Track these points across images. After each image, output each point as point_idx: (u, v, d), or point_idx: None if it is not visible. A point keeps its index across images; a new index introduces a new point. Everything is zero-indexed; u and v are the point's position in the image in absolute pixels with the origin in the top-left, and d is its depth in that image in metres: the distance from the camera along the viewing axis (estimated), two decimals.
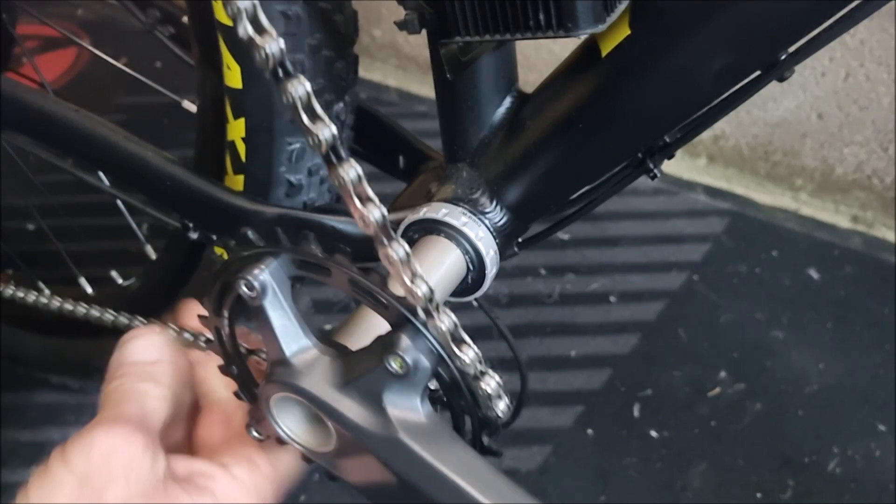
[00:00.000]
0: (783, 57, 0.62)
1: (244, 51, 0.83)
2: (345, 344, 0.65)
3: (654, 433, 1.37)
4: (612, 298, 1.56)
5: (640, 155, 0.72)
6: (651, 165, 0.72)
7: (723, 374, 1.44)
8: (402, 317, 0.58)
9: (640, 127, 0.69)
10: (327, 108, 0.89)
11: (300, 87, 0.52)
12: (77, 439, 0.59)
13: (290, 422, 0.66)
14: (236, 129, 0.89)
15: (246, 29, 0.49)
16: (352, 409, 0.61)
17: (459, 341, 0.59)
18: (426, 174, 0.86)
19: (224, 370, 0.69)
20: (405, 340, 0.57)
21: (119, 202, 1.20)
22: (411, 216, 0.74)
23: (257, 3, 0.49)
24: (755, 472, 1.32)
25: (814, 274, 1.60)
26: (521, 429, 1.34)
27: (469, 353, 0.59)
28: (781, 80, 0.64)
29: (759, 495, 1.29)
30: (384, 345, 0.58)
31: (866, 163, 1.68)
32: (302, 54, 0.84)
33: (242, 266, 0.61)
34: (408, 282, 0.56)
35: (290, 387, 0.62)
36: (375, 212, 0.55)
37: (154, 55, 1.99)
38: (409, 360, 0.57)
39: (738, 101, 0.67)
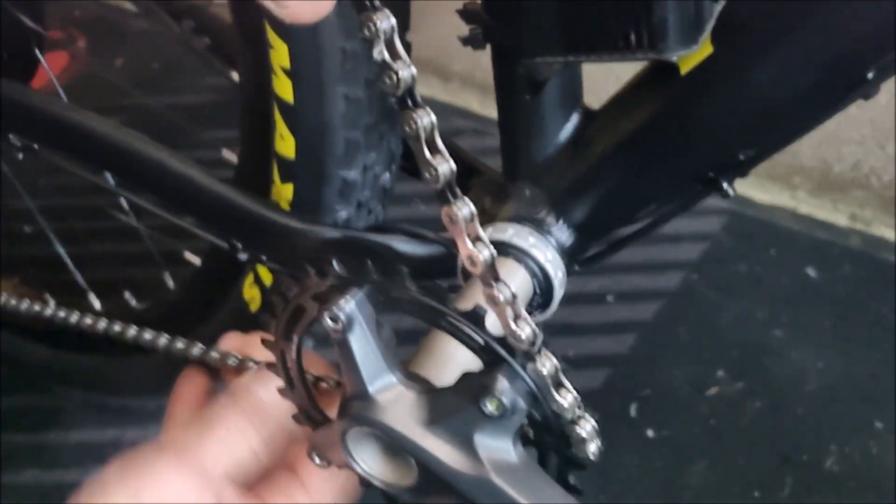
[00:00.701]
0: (871, 75, 0.60)
1: (302, 124, 0.83)
2: (423, 375, 0.63)
3: (652, 433, 1.37)
4: (609, 298, 1.56)
5: (711, 174, 0.70)
6: (724, 184, 0.70)
7: (721, 373, 1.44)
8: (499, 357, 0.56)
9: (717, 146, 0.68)
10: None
11: (426, 118, 0.50)
12: (143, 462, 0.58)
13: (363, 454, 0.64)
14: (283, 193, 0.89)
15: (382, 53, 0.48)
16: (441, 448, 0.59)
17: (559, 385, 0.57)
18: (477, 189, 0.83)
19: (286, 394, 0.67)
20: (503, 382, 0.55)
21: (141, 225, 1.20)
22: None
23: (395, 27, 0.48)
24: (754, 471, 1.32)
25: (812, 273, 1.60)
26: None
27: (568, 398, 0.57)
28: (867, 98, 0.62)
29: (757, 494, 1.29)
30: (478, 385, 0.56)
31: (864, 161, 1.68)
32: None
33: (326, 295, 0.58)
34: (512, 324, 0.55)
35: (375, 424, 0.60)
36: (485, 252, 0.53)
37: (151, 56, 1.99)
38: (506, 402, 0.55)
39: (820, 118, 0.65)
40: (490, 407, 0.55)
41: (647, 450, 1.35)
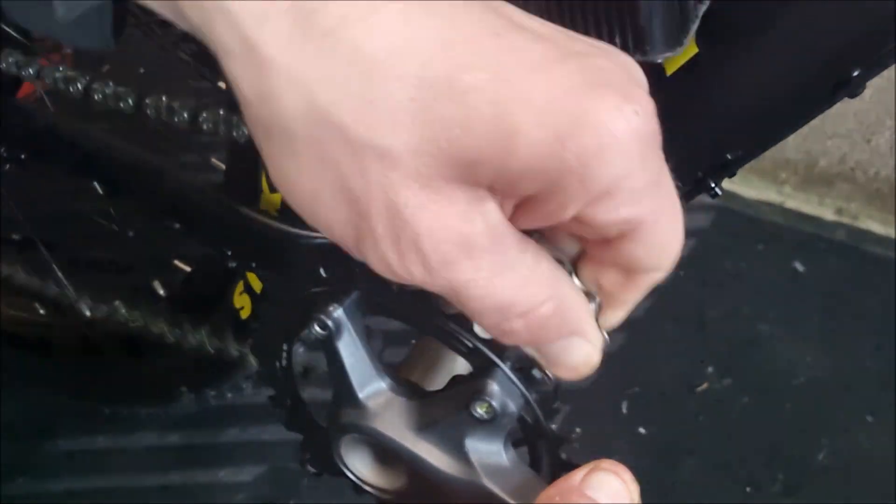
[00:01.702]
0: (856, 73, 0.60)
1: None
2: (414, 380, 0.63)
3: (642, 430, 1.37)
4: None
5: (700, 174, 0.70)
6: (712, 184, 0.69)
7: (710, 369, 1.44)
8: (489, 360, 0.56)
9: (705, 146, 0.67)
10: None
11: None
12: None
13: (355, 460, 0.64)
14: (272, 202, 0.89)
15: None
16: (432, 453, 0.59)
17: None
18: None
19: (276, 402, 0.67)
20: (493, 385, 0.55)
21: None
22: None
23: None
24: (744, 467, 1.32)
25: (800, 267, 1.60)
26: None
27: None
28: (852, 96, 0.61)
29: (748, 489, 1.30)
30: (468, 389, 0.56)
31: (849, 155, 1.69)
32: None
33: (315, 302, 0.58)
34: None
35: (367, 431, 0.60)
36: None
37: (137, 61, 1.98)
38: (496, 405, 0.55)
39: (807, 118, 0.65)
40: (480, 411, 0.55)
41: (638, 447, 1.35)
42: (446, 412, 0.58)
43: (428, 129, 0.35)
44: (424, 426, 0.59)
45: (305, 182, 0.38)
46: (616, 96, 0.36)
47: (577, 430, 1.35)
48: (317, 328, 0.57)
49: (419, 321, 0.57)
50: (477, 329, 0.55)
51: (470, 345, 0.56)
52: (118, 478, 1.36)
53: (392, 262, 0.38)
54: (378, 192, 0.36)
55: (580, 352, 0.44)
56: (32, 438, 1.41)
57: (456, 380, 0.58)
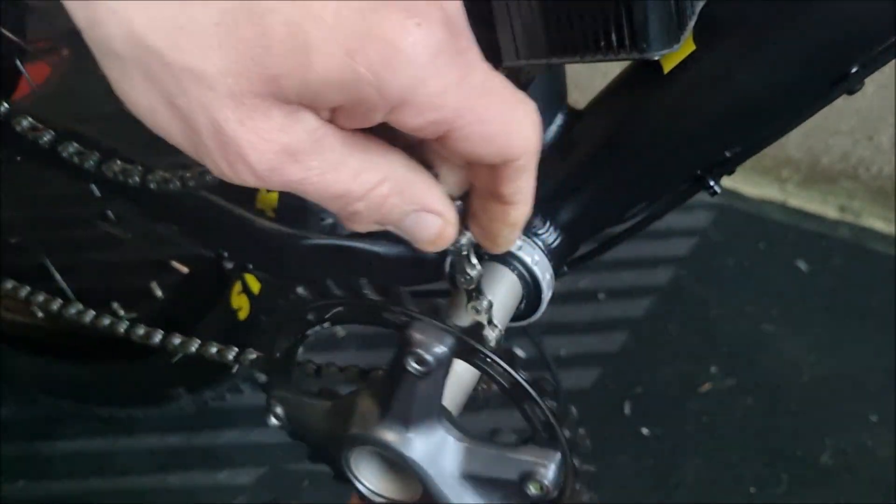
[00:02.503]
0: (854, 70, 0.60)
1: None
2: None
3: (645, 431, 1.36)
4: (600, 296, 1.56)
5: (698, 171, 0.70)
6: (710, 182, 0.69)
7: (713, 369, 1.44)
8: (554, 439, 0.57)
9: (703, 144, 0.68)
10: None
11: None
12: None
13: (365, 472, 0.64)
14: (268, 200, 0.89)
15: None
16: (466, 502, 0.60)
17: None
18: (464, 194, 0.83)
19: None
20: (554, 471, 0.56)
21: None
22: (461, 240, 0.72)
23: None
24: (748, 467, 1.31)
25: (803, 266, 1.59)
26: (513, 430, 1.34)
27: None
28: (851, 93, 0.61)
29: (752, 490, 1.29)
30: (528, 463, 0.57)
31: (852, 152, 1.68)
32: None
33: (417, 338, 0.56)
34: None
35: (401, 457, 0.59)
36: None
37: None
38: (550, 488, 0.56)
39: (805, 114, 0.64)
40: (533, 489, 0.57)
41: (641, 448, 1.34)
42: (497, 472, 0.58)
43: (233, 51, 0.38)
44: (469, 476, 0.59)
45: (141, 99, 0.41)
46: (398, 12, 0.38)
47: (580, 431, 1.34)
48: (413, 364, 0.55)
49: (501, 382, 0.57)
50: (549, 404, 0.57)
51: (548, 421, 0.57)
52: (117, 480, 1.36)
53: (225, 170, 0.42)
54: (201, 111, 0.39)
55: (432, 225, 0.48)
56: (32, 440, 1.41)
57: (518, 444, 0.59)
